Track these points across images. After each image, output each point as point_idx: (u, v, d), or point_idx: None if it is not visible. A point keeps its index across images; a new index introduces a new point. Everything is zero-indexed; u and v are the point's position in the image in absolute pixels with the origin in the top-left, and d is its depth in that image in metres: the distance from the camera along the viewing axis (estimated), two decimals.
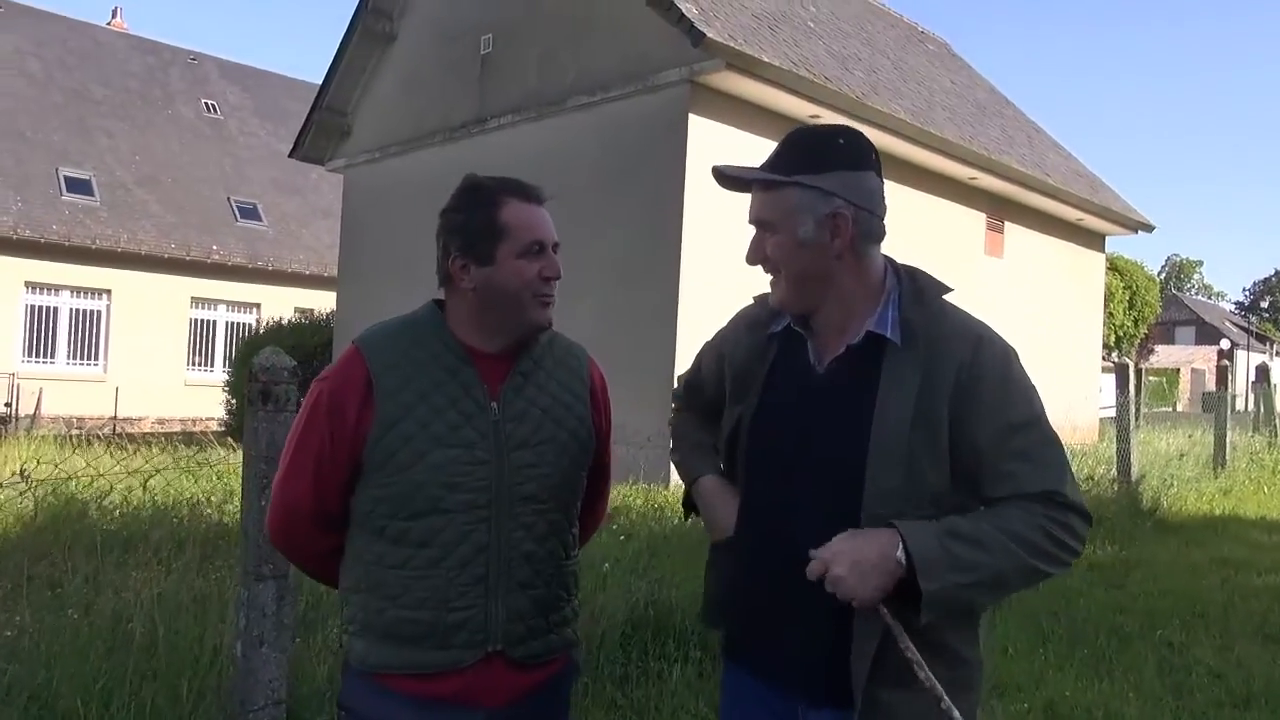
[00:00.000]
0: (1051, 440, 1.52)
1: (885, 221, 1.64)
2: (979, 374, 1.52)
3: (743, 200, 1.68)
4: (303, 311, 18.81)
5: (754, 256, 1.64)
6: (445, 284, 1.77)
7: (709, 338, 1.93)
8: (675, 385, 2.03)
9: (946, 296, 1.64)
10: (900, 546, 1.42)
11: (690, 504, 1.88)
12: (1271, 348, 57.49)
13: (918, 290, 1.62)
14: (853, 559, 1.43)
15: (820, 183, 1.56)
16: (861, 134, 1.64)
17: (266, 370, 2.88)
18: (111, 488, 5.49)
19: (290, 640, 3.02)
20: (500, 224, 1.72)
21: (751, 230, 1.64)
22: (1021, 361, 1.60)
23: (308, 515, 1.75)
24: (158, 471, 4.81)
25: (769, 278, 1.66)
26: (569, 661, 1.86)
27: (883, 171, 1.65)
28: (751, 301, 1.83)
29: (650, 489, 7.68)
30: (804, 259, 1.59)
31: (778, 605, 1.61)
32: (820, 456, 1.58)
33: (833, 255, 1.58)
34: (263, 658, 2.94)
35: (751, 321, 1.77)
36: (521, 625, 1.72)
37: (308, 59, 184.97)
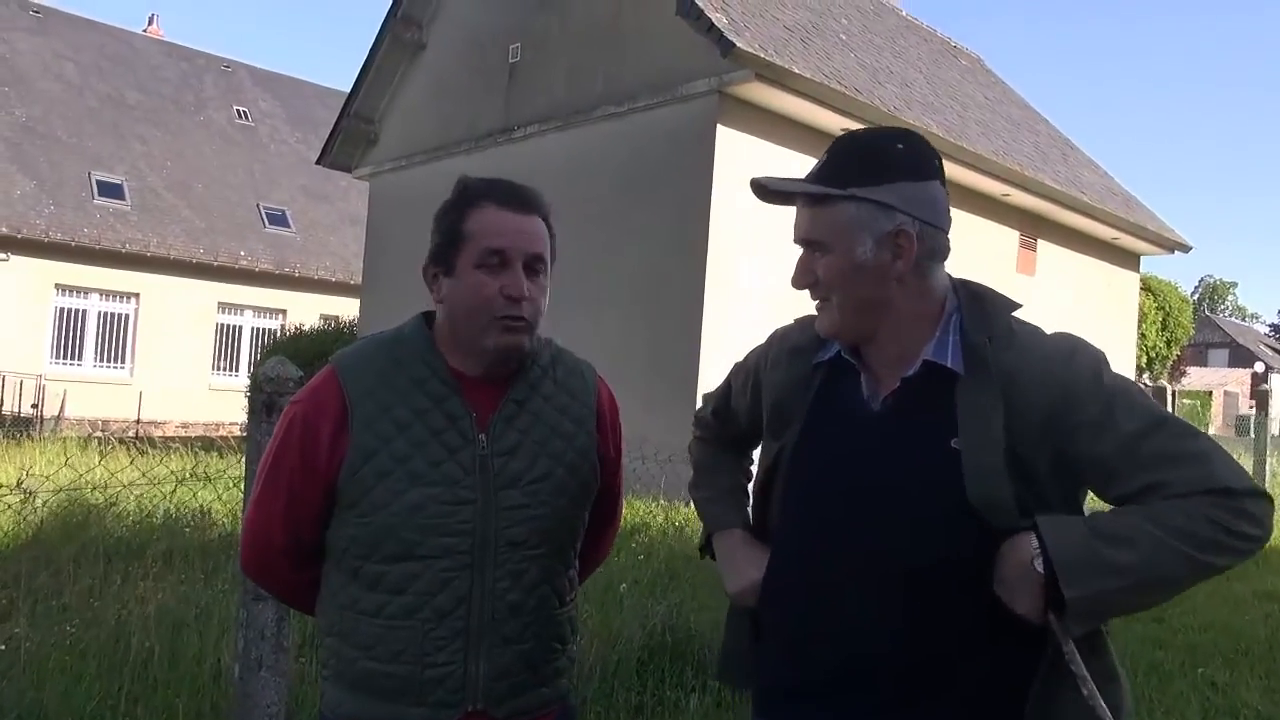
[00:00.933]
0: (1187, 432, 1.31)
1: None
2: (1073, 394, 1.33)
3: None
4: (328, 318, 18.85)
5: (802, 280, 1.45)
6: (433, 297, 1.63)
7: (733, 352, 1.76)
8: (700, 406, 1.84)
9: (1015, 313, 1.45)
10: (1038, 550, 1.26)
11: (709, 549, 1.70)
12: None
13: (981, 310, 1.43)
14: (999, 573, 1.30)
15: (880, 196, 1.37)
16: (921, 137, 1.44)
17: (271, 381, 2.76)
18: (115, 499, 5.41)
19: (290, 663, 2.88)
20: (463, 229, 1.55)
21: (792, 247, 1.47)
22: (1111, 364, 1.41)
23: (280, 549, 1.60)
24: (152, 484, 4.71)
25: (799, 297, 1.50)
26: (564, 709, 1.69)
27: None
28: (791, 322, 1.64)
29: (670, 506, 7.52)
30: (861, 283, 1.40)
31: (818, 666, 1.43)
32: (880, 508, 1.39)
33: (893, 277, 1.40)
34: (261, 681, 2.80)
35: (793, 347, 1.57)
36: (505, 683, 1.55)
37: (341, 67, 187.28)
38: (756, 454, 1.75)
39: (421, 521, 1.49)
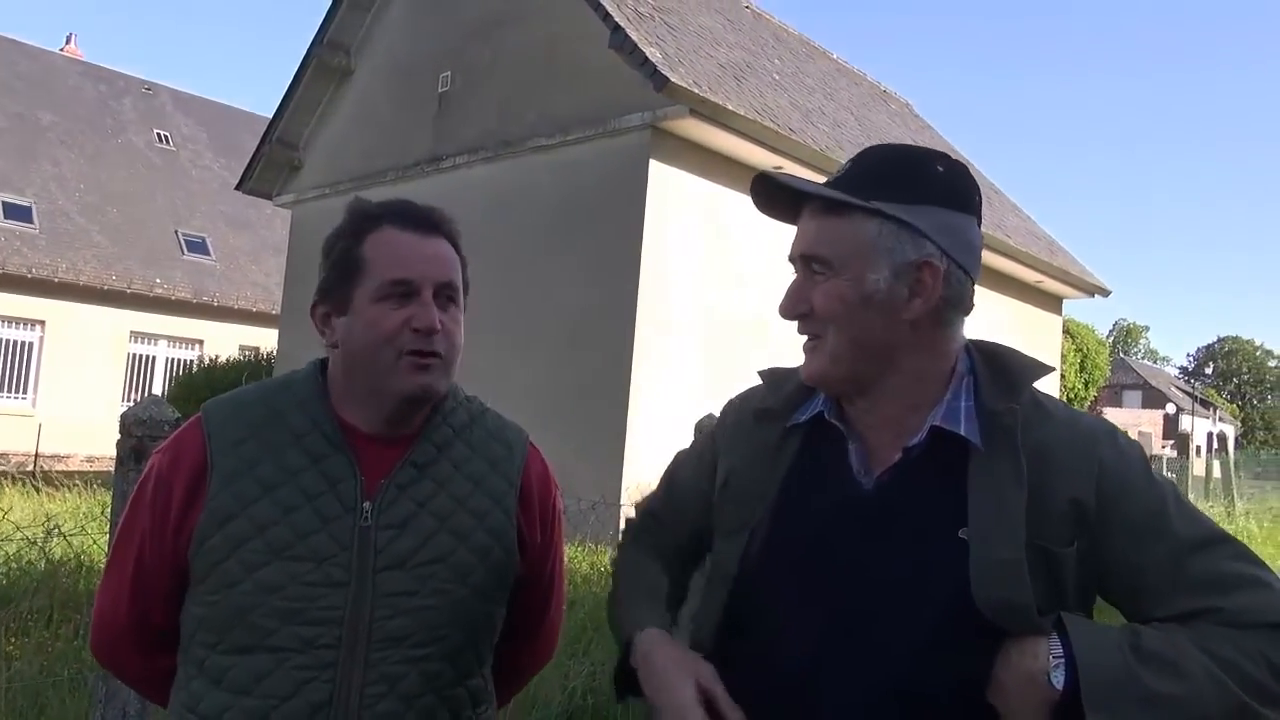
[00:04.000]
0: (1247, 555, 1.10)
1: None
2: (1119, 486, 1.09)
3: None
4: (247, 349, 18.18)
5: (793, 307, 1.19)
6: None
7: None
8: (632, 517, 1.51)
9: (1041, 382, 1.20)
10: (1059, 659, 1.02)
11: (628, 677, 1.25)
12: (1215, 413, 58.67)
13: (1002, 374, 1.17)
14: (998, 677, 1.05)
15: (909, 216, 1.12)
16: (965, 166, 1.19)
17: (141, 424, 2.47)
18: None
19: None
20: (360, 258, 1.30)
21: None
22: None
23: (127, 629, 1.32)
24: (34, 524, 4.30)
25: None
26: None
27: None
28: (747, 389, 1.35)
29: (596, 549, 7.25)
30: (866, 319, 1.13)
31: None
32: (871, 613, 1.12)
33: (906, 319, 1.14)
34: None
35: (759, 409, 1.28)
36: None
37: (269, 93, 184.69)
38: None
39: (278, 604, 1.22)
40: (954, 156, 1.20)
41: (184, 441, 1.32)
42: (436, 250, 1.34)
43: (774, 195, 1.21)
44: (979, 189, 1.20)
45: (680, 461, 1.44)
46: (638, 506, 1.50)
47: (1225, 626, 1.03)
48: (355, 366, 1.32)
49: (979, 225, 1.19)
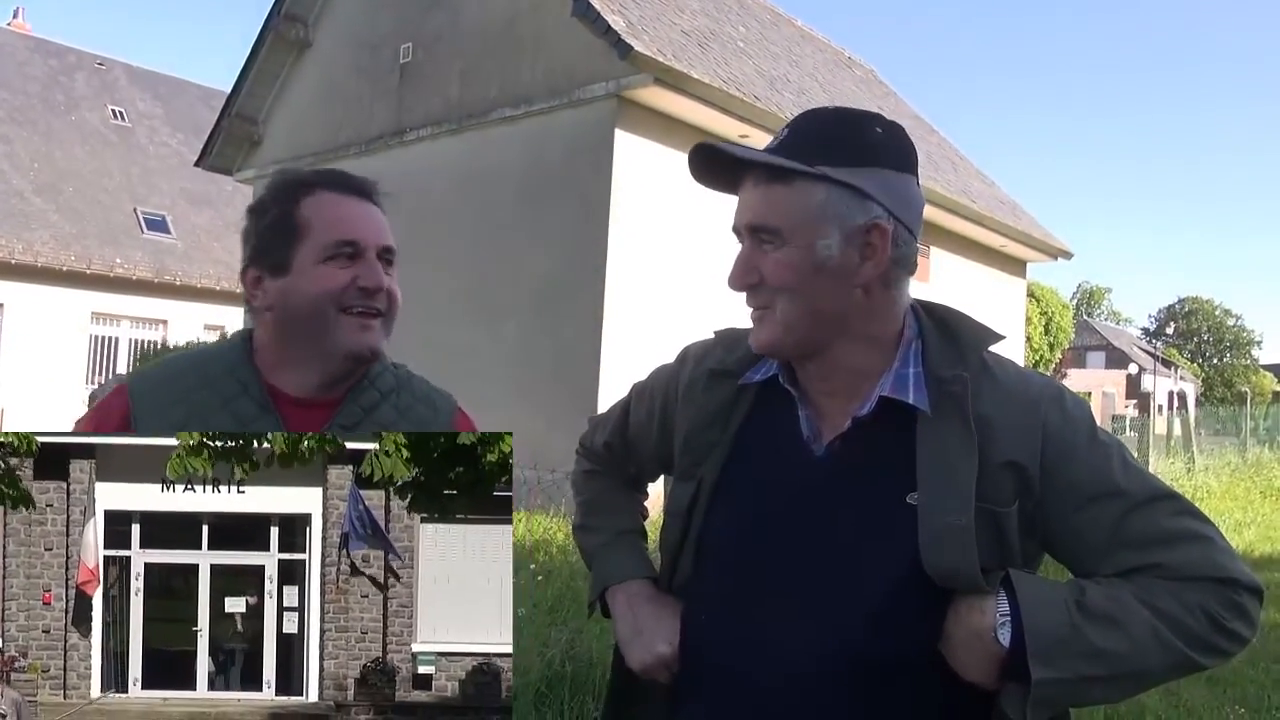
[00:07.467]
0: (1189, 510, 1.12)
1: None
2: (1062, 450, 1.12)
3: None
4: (212, 328, 17.96)
5: (743, 279, 1.17)
6: (246, 306, 1.40)
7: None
8: (586, 432, 1.53)
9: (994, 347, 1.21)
10: (1005, 617, 1.05)
11: (600, 604, 1.39)
12: (1176, 372, 59.79)
13: (952, 340, 1.18)
14: (948, 629, 1.09)
15: (856, 180, 1.10)
16: (900, 125, 1.20)
17: None
18: None
19: None
20: (298, 220, 1.33)
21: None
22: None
23: None
24: None
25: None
26: None
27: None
28: (710, 336, 1.36)
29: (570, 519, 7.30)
30: (819, 287, 1.12)
31: None
32: (821, 582, 1.14)
33: (857, 284, 1.13)
34: None
35: (714, 369, 1.28)
36: None
37: (226, 68, 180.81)
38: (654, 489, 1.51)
39: None
40: (905, 121, 1.22)
41: (105, 410, 1.36)
42: (375, 214, 1.39)
43: (713, 165, 1.18)
44: (914, 148, 1.20)
45: (635, 394, 1.45)
46: (594, 424, 1.52)
47: (1167, 580, 1.07)
48: (293, 327, 1.34)
49: (918, 184, 1.19)
